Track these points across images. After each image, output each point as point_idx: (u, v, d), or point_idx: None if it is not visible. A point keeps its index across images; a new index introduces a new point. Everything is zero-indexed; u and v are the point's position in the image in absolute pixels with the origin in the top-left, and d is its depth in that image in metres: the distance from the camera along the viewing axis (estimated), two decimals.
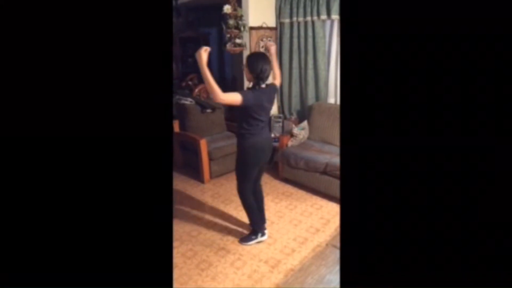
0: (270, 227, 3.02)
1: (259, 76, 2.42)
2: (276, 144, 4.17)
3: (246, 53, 4.22)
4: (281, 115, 4.59)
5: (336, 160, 3.36)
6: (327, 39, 4.22)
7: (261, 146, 2.58)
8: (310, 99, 4.40)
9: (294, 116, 4.59)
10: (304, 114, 4.44)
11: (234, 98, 2.32)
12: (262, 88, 2.46)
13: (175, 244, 2.81)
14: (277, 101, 4.67)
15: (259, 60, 2.43)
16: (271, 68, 2.50)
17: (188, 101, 4.24)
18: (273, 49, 2.75)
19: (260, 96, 2.43)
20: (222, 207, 3.41)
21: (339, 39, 4.04)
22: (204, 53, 2.17)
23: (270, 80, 2.58)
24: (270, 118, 2.55)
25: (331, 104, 4.22)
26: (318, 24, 4.10)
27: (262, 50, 4.42)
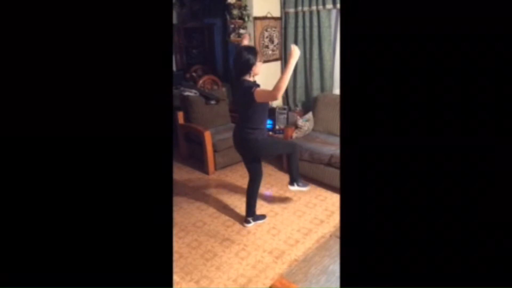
0: (274, 218, 3.05)
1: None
2: (280, 135, 4.19)
3: (250, 43, 4.20)
4: (285, 106, 4.58)
5: None
6: (332, 28, 4.18)
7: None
8: (315, 90, 4.38)
9: (299, 108, 4.58)
10: (309, 105, 4.42)
11: None
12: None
13: (180, 234, 2.85)
14: None
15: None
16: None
17: (192, 93, 4.24)
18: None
19: None
20: (227, 199, 3.43)
21: None
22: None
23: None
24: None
25: (336, 95, 4.18)
26: (323, 14, 4.07)
27: (267, 40, 4.40)
